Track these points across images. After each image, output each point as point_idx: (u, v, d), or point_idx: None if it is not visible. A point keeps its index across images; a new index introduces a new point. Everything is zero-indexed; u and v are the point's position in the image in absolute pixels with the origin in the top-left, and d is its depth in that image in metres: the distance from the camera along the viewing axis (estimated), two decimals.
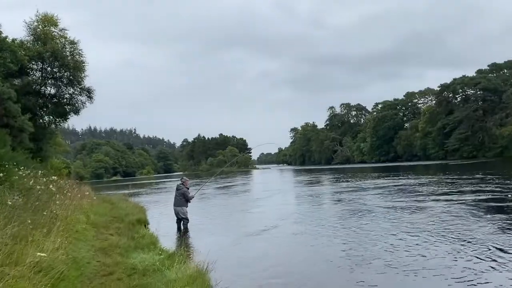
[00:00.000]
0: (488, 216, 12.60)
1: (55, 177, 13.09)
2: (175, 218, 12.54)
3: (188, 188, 12.59)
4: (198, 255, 7.61)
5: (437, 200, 17.25)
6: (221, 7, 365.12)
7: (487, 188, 20.50)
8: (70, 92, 28.84)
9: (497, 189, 20.12)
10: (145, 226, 12.56)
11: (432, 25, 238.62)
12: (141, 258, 7.25)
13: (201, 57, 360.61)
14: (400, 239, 9.99)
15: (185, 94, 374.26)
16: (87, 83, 28.96)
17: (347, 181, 35.43)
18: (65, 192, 12.05)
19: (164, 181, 70.60)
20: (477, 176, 30.00)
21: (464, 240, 9.43)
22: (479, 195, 17.91)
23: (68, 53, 27.22)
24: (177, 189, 12.55)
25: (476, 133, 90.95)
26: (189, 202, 12.46)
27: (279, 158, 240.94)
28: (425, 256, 8.25)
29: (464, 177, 29.95)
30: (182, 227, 12.24)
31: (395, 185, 26.55)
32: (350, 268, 7.74)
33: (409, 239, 9.92)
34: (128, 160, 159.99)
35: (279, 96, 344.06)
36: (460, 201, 16.31)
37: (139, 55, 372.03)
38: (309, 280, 7.06)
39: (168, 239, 11.00)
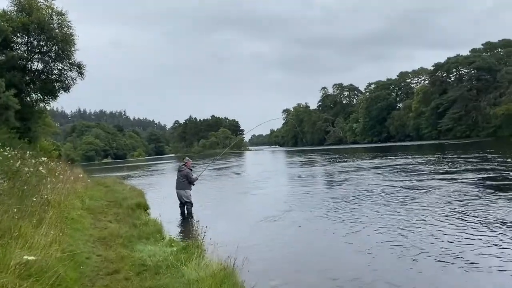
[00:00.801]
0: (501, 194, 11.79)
1: (45, 159, 11.88)
2: (178, 202, 11.44)
3: (191, 170, 11.52)
4: (216, 246, 6.51)
5: (443, 180, 16.48)
6: None
7: (492, 167, 19.97)
8: (59, 67, 26.62)
9: (501, 167, 19.57)
10: (145, 211, 11.51)
11: (422, 5, 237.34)
12: (149, 250, 6.20)
13: (190, 37, 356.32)
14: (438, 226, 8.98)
15: (175, 75, 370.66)
16: (77, 57, 26.84)
17: (346, 161, 34.61)
18: (56, 174, 10.89)
19: (156, 163, 69.38)
20: (477, 155, 29.46)
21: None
22: (484, 174, 17.21)
23: (55, 25, 24.97)
24: (179, 171, 11.46)
25: (470, 113, 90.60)
26: (193, 184, 11.40)
27: (271, 140, 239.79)
28: (458, 245, 7.31)
29: (465, 156, 29.31)
30: (186, 212, 11.18)
31: (399, 165, 25.74)
32: (400, 257, 6.77)
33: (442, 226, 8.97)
34: (119, 143, 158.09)
35: (270, 78, 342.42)
36: (467, 180, 15.52)
37: (126, 36, 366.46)
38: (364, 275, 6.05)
39: (173, 226, 9.96)
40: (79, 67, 26.80)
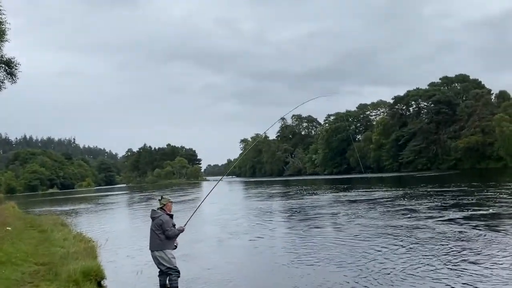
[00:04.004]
0: None
1: None
2: (154, 265, 7.24)
3: (171, 216, 7.45)
4: None
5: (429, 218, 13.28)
6: (163, 21, 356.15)
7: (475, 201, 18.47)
8: None
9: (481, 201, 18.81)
10: (98, 286, 7.21)
11: (367, 45, 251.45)
12: None
13: (143, 68, 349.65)
14: None
15: (128, 105, 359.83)
16: (6, 52, 20.44)
17: (315, 194, 31.23)
18: None
19: (108, 195, 63.24)
20: (460, 188, 27.24)
21: None
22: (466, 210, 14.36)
23: None
24: (153, 218, 7.30)
25: (430, 146, 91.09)
26: (175, 246, 7.34)
27: (228, 170, 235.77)
28: None
29: (439, 189, 26.78)
30: (168, 285, 6.97)
31: (385, 199, 22.59)
32: None
33: None
34: (67, 171, 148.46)
35: (225, 109, 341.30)
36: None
37: (78, 64, 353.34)
38: None
39: None
40: (8, 65, 20.43)
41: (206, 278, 8.34)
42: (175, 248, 7.29)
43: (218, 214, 20.46)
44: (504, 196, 21.20)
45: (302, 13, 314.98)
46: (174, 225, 7.19)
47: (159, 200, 7.41)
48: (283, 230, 14.78)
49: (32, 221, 15.57)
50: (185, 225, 7.47)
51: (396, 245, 10.55)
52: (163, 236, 7.00)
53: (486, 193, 23.63)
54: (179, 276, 7.05)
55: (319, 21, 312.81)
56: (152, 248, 7.09)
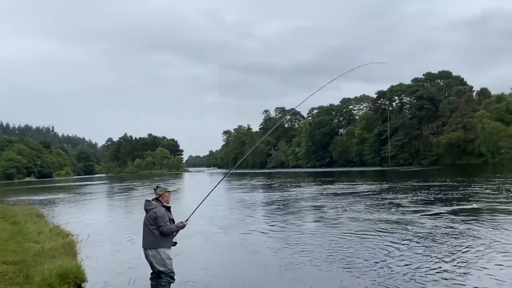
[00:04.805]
0: None
1: None
2: (146, 264, 6.31)
3: (167, 208, 6.41)
4: None
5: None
6: (146, 9, 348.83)
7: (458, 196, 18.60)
8: None
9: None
10: None
11: (351, 42, 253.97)
12: None
13: (125, 57, 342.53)
14: None
15: (109, 94, 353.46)
16: None
17: (298, 186, 30.61)
18: None
19: (87, 184, 61.57)
20: (440, 183, 27.06)
21: None
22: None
23: None
24: (146, 210, 6.22)
25: (412, 141, 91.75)
26: (174, 243, 6.38)
27: (210, 161, 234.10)
28: None
29: (425, 184, 26.51)
30: None
31: (370, 193, 22.08)
32: None
33: None
34: (44, 160, 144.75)
35: (208, 100, 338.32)
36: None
37: (59, 52, 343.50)
38: None
39: None
40: None
41: (201, 281, 7.50)
42: (174, 245, 6.27)
43: (203, 206, 19.58)
44: (488, 191, 21.42)
45: (288, 8, 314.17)
46: (172, 220, 6.19)
47: (154, 189, 6.36)
48: (271, 224, 14.00)
49: (4, 211, 14.43)
50: (187, 220, 6.40)
51: (387, 240, 10.23)
52: (158, 232, 6.02)
53: (471, 188, 23.89)
54: (171, 282, 6.03)
55: (304, 17, 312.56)
56: (145, 246, 6.07)
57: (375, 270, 7.56)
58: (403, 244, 9.69)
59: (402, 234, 11.02)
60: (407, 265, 7.86)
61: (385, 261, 8.20)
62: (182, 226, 6.26)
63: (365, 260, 8.36)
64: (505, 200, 17.65)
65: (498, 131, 70.29)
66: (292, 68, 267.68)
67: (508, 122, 72.29)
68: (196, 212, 6.63)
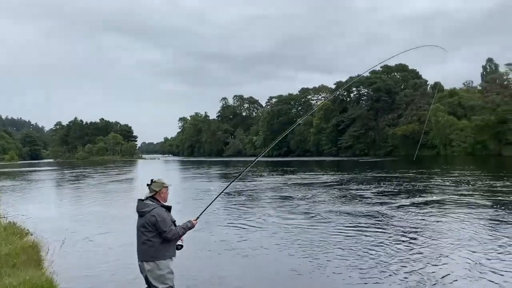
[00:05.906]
0: None
1: None
2: (136, 270, 5.03)
3: (168, 208, 5.14)
4: None
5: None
6: None
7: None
8: None
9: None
10: None
11: (306, 32, 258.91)
12: None
13: (76, 38, 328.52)
14: None
15: (57, 76, 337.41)
16: None
17: (262, 176, 29.83)
18: None
19: (36, 171, 57.78)
20: (399, 174, 27.22)
21: None
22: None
23: None
24: (140, 213, 4.87)
25: (368, 132, 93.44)
26: (178, 246, 5.09)
27: (164, 148, 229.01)
28: None
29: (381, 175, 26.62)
30: None
31: (334, 183, 21.64)
32: None
33: None
34: None
35: (163, 86, 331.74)
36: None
37: (1, 29, 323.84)
38: None
39: None
40: None
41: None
42: (180, 248, 5.01)
43: (171, 198, 18.26)
44: (448, 183, 21.76)
45: None
46: (173, 222, 4.93)
47: (148, 185, 4.94)
48: (248, 219, 12.91)
49: None
50: (197, 218, 5.18)
51: (365, 236, 9.86)
52: (158, 239, 4.75)
53: (429, 180, 24.33)
54: None
55: (261, 6, 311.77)
56: (141, 258, 4.73)
57: (355, 265, 7.52)
58: (379, 239, 9.59)
59: (379, 228, 10.87)
60: (383, 258, 7.89)
61: (365, 256, 8.16)
62: (191, 226, 5.02)
63: (341, 255, 8.32)
64: (466, 192, 17.84)
65: (450, 124, 72.66)
66: (249, 56, 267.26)
67: (459, 116, 74.89)
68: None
